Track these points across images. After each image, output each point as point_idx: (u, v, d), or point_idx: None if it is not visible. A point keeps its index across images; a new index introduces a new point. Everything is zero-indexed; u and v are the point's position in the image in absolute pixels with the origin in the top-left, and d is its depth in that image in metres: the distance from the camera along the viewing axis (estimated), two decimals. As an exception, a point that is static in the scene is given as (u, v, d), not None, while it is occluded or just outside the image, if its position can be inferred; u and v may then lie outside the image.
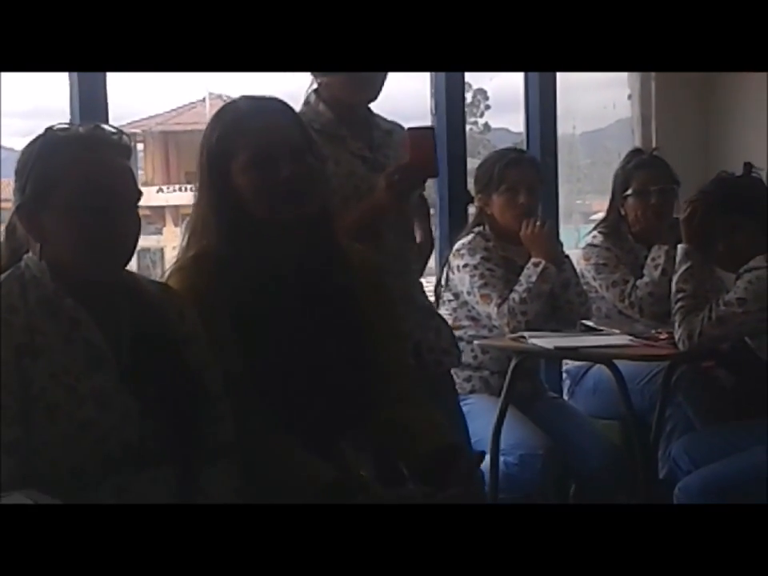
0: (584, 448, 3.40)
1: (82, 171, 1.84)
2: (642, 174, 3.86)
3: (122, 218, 1.86)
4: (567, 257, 3.68)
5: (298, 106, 2.19)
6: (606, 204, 4.03)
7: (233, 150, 2.11)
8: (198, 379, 1.93)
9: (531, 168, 3.66)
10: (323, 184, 2.20)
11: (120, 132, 1.92)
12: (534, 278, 3.48)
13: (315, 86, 2.77)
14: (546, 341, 3.22)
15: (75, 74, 3.26)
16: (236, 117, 2.14)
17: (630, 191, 3.85)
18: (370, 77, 2.70)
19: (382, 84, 2.74)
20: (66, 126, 1.92)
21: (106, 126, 1.93)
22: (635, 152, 4.05)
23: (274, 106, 2.17)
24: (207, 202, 2.14)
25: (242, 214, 2.11)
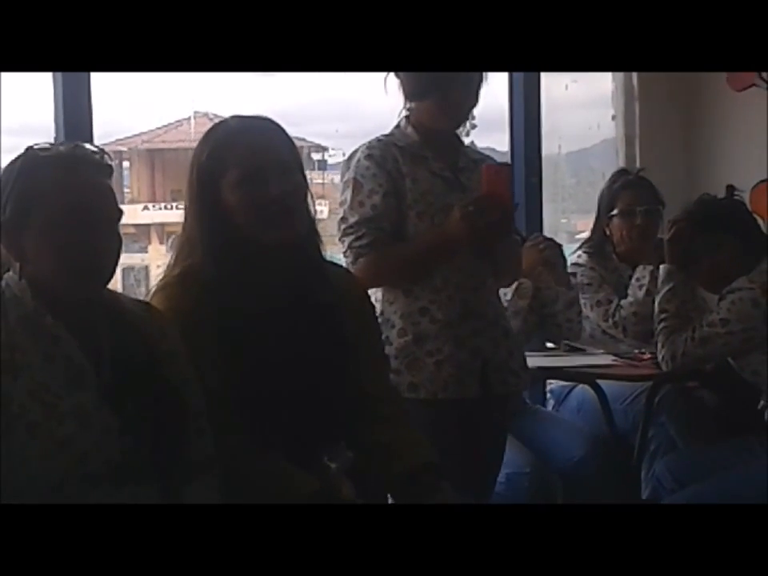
0: (565, 441, 3.41)
1: (61, 191, 1.84)
2: (628, 195, 3.87)
3: (102, 237, 1.86)
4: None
5: (287, 126, 2.20)
6: (590, 224, 4.05)
7: (222, 167, 2.12)
8: (179, 396, 1.94)
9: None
10: (311, 204, 2.20)
11: (102, 151, 1.93)
12: (509, 295, 3.49)
13: (406, 112, 2.84)
14: (530, 360, 3.22)
15: (60, 91, 3.27)
16: (226, 135, 2.16)
17: (615, 211, 3.85)
18: (455, 104, 2.77)
19: (469, 112, 2.83)
20: (47, 145, 1.92)
21: (87, 145, 1.94)
22: (621, 172, 4.06)
23: (265, 125, 2.18)
24: (195, 219, 2.15)
25: (230, 233, 2.12)
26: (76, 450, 1.78)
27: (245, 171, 2.11)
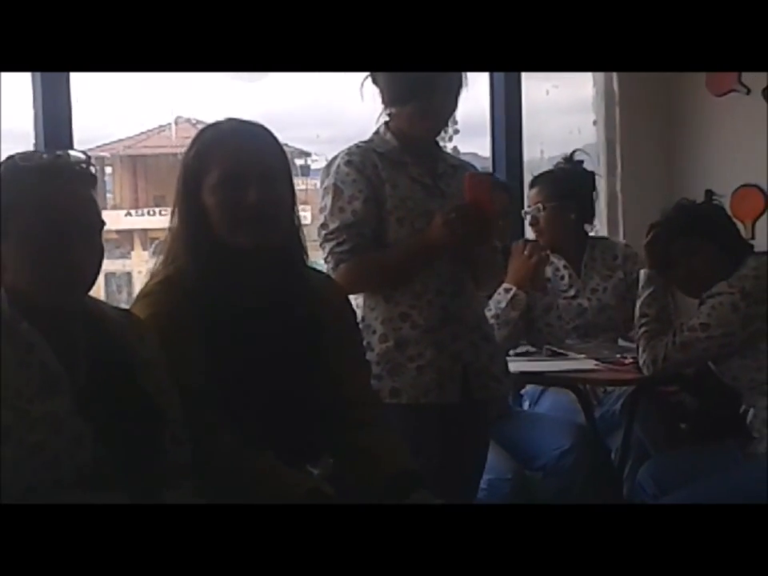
0: (550, 435, 3.41)
1: (42, 202, 1.83)
2: (530, 193, 3.88)
3: (82, 247, 1.86)
4: None
5: (274, 131, 2.21)
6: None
7: (206, 167, 2.12)
8: (154, 404, 1.93)
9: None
10: (292, 213, 2.21)
11: (87, 159, 1.92)
12: (503, 304, 3.51)
13: (386, 118, 2.84)
14: (512, 365, 3.23)
15: (40, 95, 3.27)
16: (214, 136, 2.17)
17: (525, 209, 3.88)
18: (435, 110, 2.78)
19: (448, 118, 2.83)
20: (29, 154, 1.92)
21: (72, 153, 1.93)
22: (560, 162, 4.01)
23: (255, 131, 2.18)
24: (179, 220, 2.16)
25: (210, 237, 2.12)
26: (47, 456, 1.78)
27: (225, 173, 2.11)
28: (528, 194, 3.90)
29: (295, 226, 2.21)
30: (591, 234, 4.00)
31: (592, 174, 3.92)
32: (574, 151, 3.94)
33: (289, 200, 2.19)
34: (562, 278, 3.82)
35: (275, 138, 2.20)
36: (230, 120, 2.20)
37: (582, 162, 3.92)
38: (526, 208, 3.90)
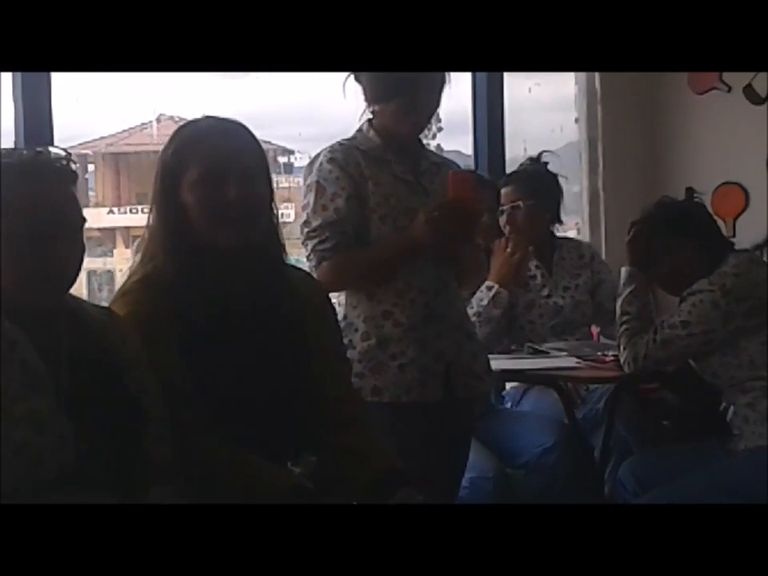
0: (533, 432, 3.42)
1: (22, 199, 1.83)
2: (505, 191, 3.86)
3: (63, 244, 1.86)
4: None
5: (253, 129, 2.21)
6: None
7: (184, 165, 2.12)
8: (137, 402, 1.93)
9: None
10: (271, 211, 2.20)
11: (67, 157, 1.92)
12: (485, 302, 3.52)
13: (369, 115, 2.85)
14: (494, 363, 3.24)
15: (20, 93, 3.26)
16: (193, 133, 2.16)
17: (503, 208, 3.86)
18: (418, 108, 2.78)
19: (431, 116, 2.84)
20: (8, 151, 1.91)
21: (53, 150, 1.92)
22: (524, 163, 4.03)
23: (234, 129, 2.18)
24: (156, 218, 2.16)
25: (188, 235, 2.12)
26: (30, 455, 1.77)
27: (203, 171, 2.11)
28: (504, 191, 3.87)
29: (274, 224, 2.21)
30: (570, 232, 4.03)
31: (556, 176, 3.94)
32: (541, 152, 3.96)
33: (267, 197, 2.19)
34: (534, 277, 3.84)
35: (253, 136, 2.20)
36: (207, 118, 2.19)
37: (547, 163, 3.93)
38: (503, 206, 3.88)
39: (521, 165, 4.02)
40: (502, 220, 3.83)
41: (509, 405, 3.82)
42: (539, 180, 3.88)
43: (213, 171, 2.11)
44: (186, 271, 2.11)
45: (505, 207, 3.83)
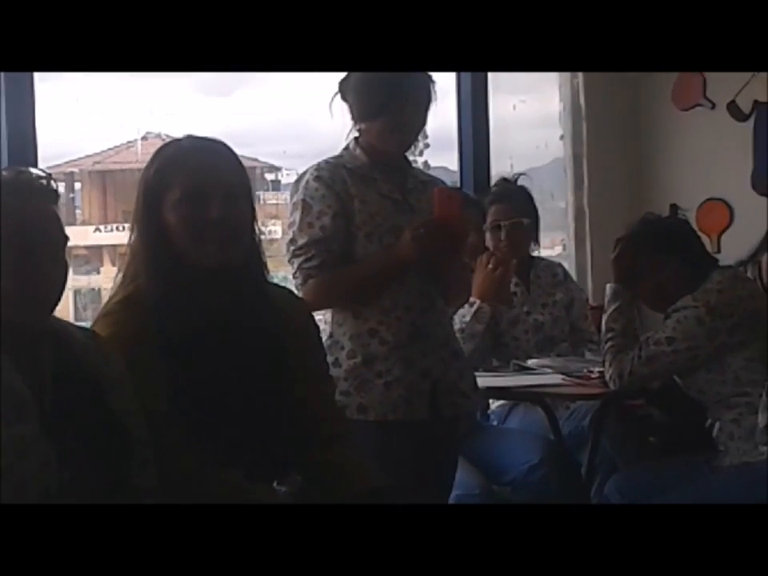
0: (519, 449, 3.42)
1: (3, 218, 1.82)
2: (495, 209, 3.88)
3: (46, 265, 1.85)
4: None
5: (241, 147, 2.21)
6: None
7: (167, 184, 2.11)
8: (122, 425, 1.92)
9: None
10: (253, 230, 2.21)
11: (48, 176, 1.91)
12: (467, 318, 3.52)
13: (356, 133, 2.85)
14: (479, 381, 3.24)
15: (3, 110, 3.26)
16: (175, 153, 2.16)
17: (486, 225, 3.88)
18: (405, 125, 2.78)
19: (418, 133, 2.84)
20: None
21: (33, 170, 1.92)
22: (499, 182, 4.07)
23: (215, 148, 2.18)
24: (138, 238, 2.15)
25: (170, 254, 2.12)
26: (14, 480, 1.76)
27: (186, 191, 2.10)
28: (495, 208, 3.89)
29: (256, 243, 2.21)
30: (556, 248, 4.05)
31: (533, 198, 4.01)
32: (517, 176, 4.03)
33: (250, 216, 2.18)
34: (515, 294, 3.85)
35: (235, 155, 2.20)
36: (189, 137, 2.20)
37: (522, 185, 4.00)
38: (501, 222, 3.89)
39: (495, 184, 4.06)
40: (497, 236, 3.84)
41: (495, 423, 3.82)
42: (529, 200, 3.95)
43: (195, 190, 2.11)
44: (168, 291, 2.10)
45: (504, 223, 3.84)
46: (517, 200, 3.91)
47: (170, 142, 2.21)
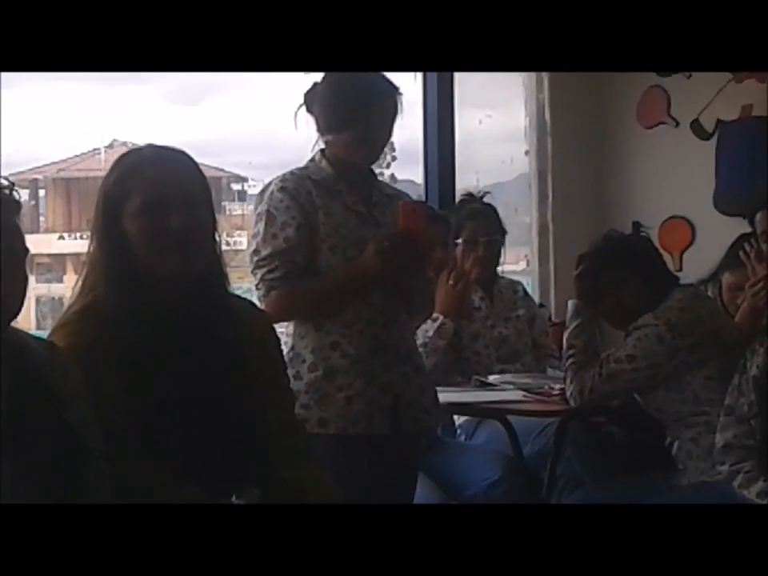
0: (480, 465, 3.42)
1: None
2: (472, 224, 3.93)
3: (5, 275, 1.83)
4: None
5: (208, 157, 2.21)
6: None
7: (126, 194, 2.09)
8: (79, 439, 1.90)
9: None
10: (213, 241, 2.19)
11: (10, 186, 1.89)
12: (430, 333, 3.52)
13: (322, 145, 2.85)
14: (441, 396, 3.24)
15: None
16: (136, 162, 2.14)
17: (460, 240, 3.91)
18: (371, 138, 2.79)
19: (383, 146, 2.85)
20: None
21: None
22: (468, 199, 4.12)
23: (176, 157, 2.16)
24: (97, 248, 2.13)
25: (131, 263, 2.10)
26: None
27: (146, 200, 2.08)
28: (474, 224, 3.93)
29: (217, 253, 2.19)
30: (520, 263, 4.09)
31: None
32: (483, 193, 4.10)
33: (211, 226, 2.17)
34: (479, 308, 3.88)
35: (196, 164, 2.18)
36: (150, 146, 2.18)
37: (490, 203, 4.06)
38: (480, 238, 3.92)
39: (465, 200, 4.08)
40: (474, 252, 3.86)
41: (462, 438, 3.82)
42: (498, 217, 4.01)
43: (155, 200, 2.09)
44: (126, 301, 2.08)
45: (482, 240, 3.89)
46: (492, 216, 3.98)
47: (131, 150, 2.20)
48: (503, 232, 4.00)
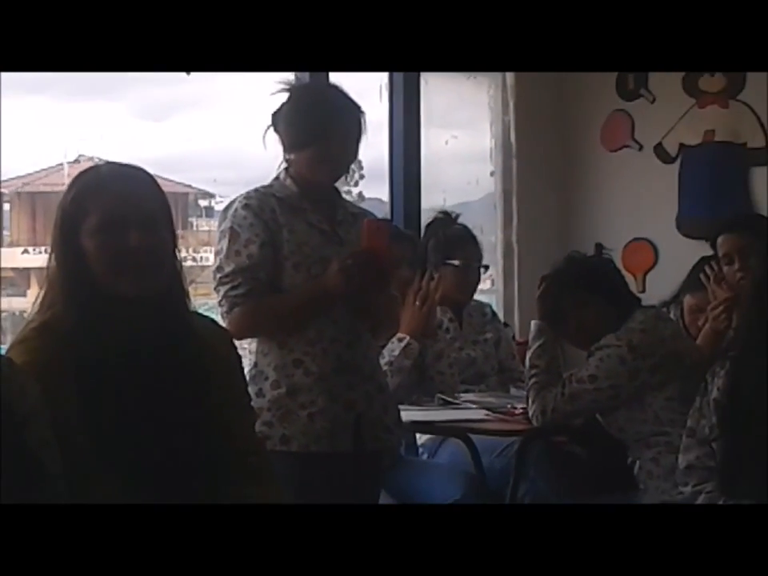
0: (442, 483, 3.42)
1: None
2: (467, 250, 4.00)
3: None
4: None
5: (174, 173, 2.22)
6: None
7: (84, 211, 2.07)
8: (36, 459, 1.88)
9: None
10: (174, 258, 2.18)
11: None
12: (396, 353, 3.53)
13: (285, 164, 2.85)
14: (403, 414, 3.24)
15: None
16: (93, 179, 2.12)
17: (456, 262, 3.94)
18: (334, 157, 2.80)
19: (348, 165, 2.87)
20: None
21: None
22: (443, 218, 4.13)
23: (134, 174, 2.15)
24: (56, 265, 2.11)
25: (88, 282, 2.07)
26: None
27: (104, 218, 2.06)
28: (468, 249, 4.01)
29: (177, 271, 2.17)
30: (486, 282, 4.13)
31: None
32: (457, 215, 4.14)
33: (170, 244, 2.15)
34: (448, 330, 3.91)
35: (155, 181, 2.17)
36: (108, 163, 2.17)
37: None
38: (474, 264, 4.00)
39: (438, 220, 4.11)
40: (465, 276, 3.94)
41: (425, 456, 3.83)
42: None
43: (113, 218, 2.07)
44: (84, 319, 2.06)
45: (475, 266, 3.99)
46: (478, 242, 4.07)
47: (89, 168, 2.17)
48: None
